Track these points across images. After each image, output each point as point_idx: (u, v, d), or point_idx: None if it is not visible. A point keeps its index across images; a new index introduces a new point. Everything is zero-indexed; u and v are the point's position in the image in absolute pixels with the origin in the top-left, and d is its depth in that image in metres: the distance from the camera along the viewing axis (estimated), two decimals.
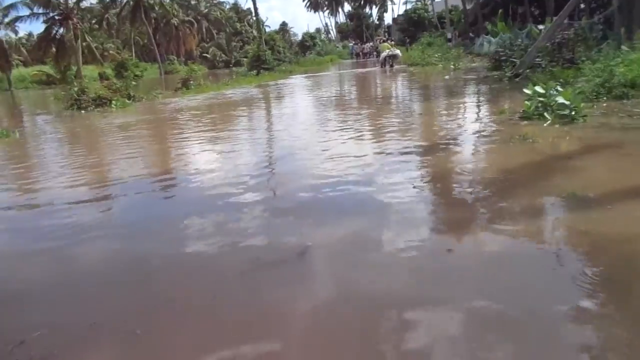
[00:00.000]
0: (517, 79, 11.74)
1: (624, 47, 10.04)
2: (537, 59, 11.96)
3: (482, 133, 6.33)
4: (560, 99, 6.29)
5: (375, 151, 5.61)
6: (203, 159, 6.25)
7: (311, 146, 6.23)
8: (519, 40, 15.17)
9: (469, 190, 3.90)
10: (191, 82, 19.89)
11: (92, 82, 22.47)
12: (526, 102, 6.90)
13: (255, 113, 11.38)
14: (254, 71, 27.20)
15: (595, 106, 7.01)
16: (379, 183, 4.22)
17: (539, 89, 6.75)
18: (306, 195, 4.07)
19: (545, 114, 6.42)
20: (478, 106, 9.52)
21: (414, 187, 4.01)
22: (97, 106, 14.57)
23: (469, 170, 4.56)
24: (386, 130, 7.11)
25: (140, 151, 7.21)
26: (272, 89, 18.35)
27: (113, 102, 14.69)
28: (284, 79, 23.30)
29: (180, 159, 6.45)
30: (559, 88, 6.73)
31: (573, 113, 6.22)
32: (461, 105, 9.64)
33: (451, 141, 5.99)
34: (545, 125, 6.19)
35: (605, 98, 7.42)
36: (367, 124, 8.07)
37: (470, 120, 7.72)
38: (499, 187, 3.90)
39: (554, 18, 21.45)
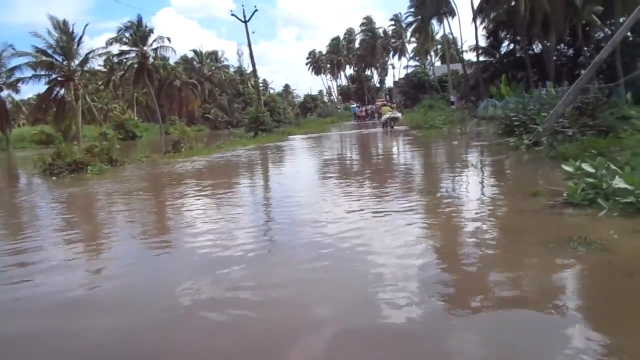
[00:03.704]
0: (537, 147, 10.39)
1: None
2: (556, 125, 10.70)
3: (522, 228, 4.71)
4: (621, 183, 4.79)
5: (381, 272, 3.65)
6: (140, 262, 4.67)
7: (294, 246, 4.66)
8: (531, 104, 14.04)
9: None
10: (182, 145, 18.88)
11: (90, 142, 21.49)
12: (569, 183, 5.41)
13: (235, 187, 9.70)
14: (251, 133, 26.37)
15: None
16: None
17: (586, 166, 5.28)
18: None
19: (599, 200, 4.91)
20: (503, 184, 7.65)
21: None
22: (71, 172, 13.25)
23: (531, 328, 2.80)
24: (392, 227, 5.40)
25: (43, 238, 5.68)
26: (264, 153, 17.08)
27: (89, 167, 13.37)
28: (281, 142, 22.23)
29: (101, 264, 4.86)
30: (612, 166, 5.25)
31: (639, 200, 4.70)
32: (480, 181, 8.14)
33: (481, 249, 4.11)
34: (601, 215, 4.65)
35: None
36: (369, 217, 5.55)
37: (499, 204, 5.93)
38: None
39: (553, 82, 20.91)
